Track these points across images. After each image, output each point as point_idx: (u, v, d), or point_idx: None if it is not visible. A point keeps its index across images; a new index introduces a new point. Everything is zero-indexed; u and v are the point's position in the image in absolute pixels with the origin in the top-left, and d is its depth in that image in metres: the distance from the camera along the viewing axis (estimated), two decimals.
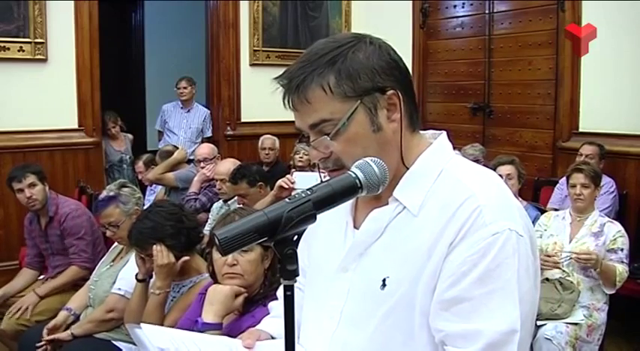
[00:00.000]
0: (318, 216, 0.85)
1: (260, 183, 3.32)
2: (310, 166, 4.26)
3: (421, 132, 1.04)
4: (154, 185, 4.37)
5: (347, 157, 0.95)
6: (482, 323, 0.87)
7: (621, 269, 2.73)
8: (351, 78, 0.93)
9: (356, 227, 1.04)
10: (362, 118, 0.94)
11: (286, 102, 0.97)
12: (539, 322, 2.62)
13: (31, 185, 3.05)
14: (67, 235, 3.07)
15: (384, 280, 0.95)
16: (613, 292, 2.78)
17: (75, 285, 2.97)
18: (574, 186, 2.94)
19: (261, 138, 4.72)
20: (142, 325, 1.10)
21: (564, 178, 3.28)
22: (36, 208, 3.10)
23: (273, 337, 1.15)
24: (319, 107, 0.94)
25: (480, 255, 0.88)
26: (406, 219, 0.96)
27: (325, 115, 0.94)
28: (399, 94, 0.96)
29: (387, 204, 0.99)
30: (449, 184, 0.95)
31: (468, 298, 0.88)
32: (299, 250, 1.15)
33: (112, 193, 2.58)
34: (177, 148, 4.54)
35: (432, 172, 0.98)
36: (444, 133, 1.05)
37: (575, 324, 2.69)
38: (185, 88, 5.15)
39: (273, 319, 1.22)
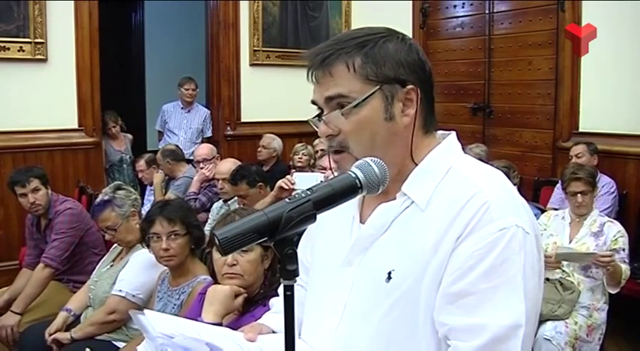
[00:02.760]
0: (321, 214, 0.85)
1: (260, 183, 3.31)
2: (310, 166, 4.27)
3: (433, 132, 1.05)
4: (153, 185, 4.37)
5: (354, 138, 0.97)
6: (486, 317, 0.87)
7: (624, 268, 2.74)
8: (376, 63, 0.96)
9: (362, 222, 1.04)
10: (377, 103, 0.96)
11: (309, 75, 1.00)
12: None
13: (35, 190, 3.03)
14: (51, 232, 3.04)
15: (389, 274, 0.95)
16: (617, 291, 2.78)
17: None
18: (574, 194, 2.93)
19: (263, 136, 4.73)
20: (145, 311, 1.10)
21: None
22: (39, 213, 3.10)
23: (274, 332, 1.15)
24: (340, 82, 0.96)
25: (486, 250, 0.89)
26: (413, 213, 0.97)
27: (343, 91, 0.96)
28: (418, 92, 0.98)
29: (395, 199, 1.00)
30: (457, 181, 0.96)
31: (473, 292, 0.88)
32: (301, 248, 1.16)
33: (106, 197, 2.56)
34: (179, 147, 4.54)
35: (441, 169, 0.99)
36: (454, 133, 1.07)
37: (575, 323, 2.69)
38: (193, 90, 5.16)
39: (274, 315, 1.22)
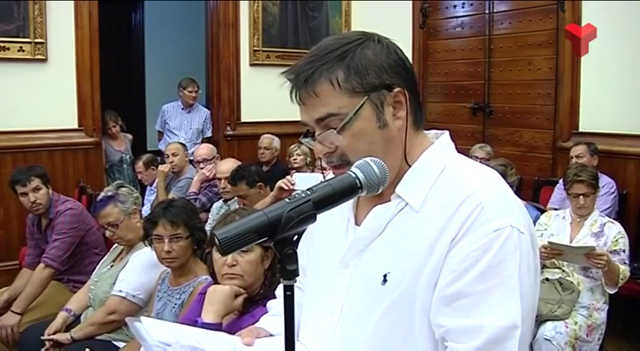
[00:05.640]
0: (319, 215, 0.85)
1: (259, 183, 3.31)
2: (307, 166, 4.27)
3: (424, 131, 1.05)
4: (153, 185, 4.37)
5: (352, 152, 0.96)
6: (483, 318, 0.88)
7: (623, 268, 2.74)
8: (359, 74, 0.94)
9: (357, 224, 1.04)
10: (368, 113, 0.95)
11: (294, 96, 0.98)
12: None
13: (36, 189, 3.03)
14: (52, 232, 3.04)
15: (385, 276, 0.95)
16: (615, 291, 2.78)
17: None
18: (576, 196, 2.93)
19: (261, 137, 4.73)
20: (141, 318, 1.09)
21: None
22: (40, 212, 3.10)
23: (272, 335, 1.15)
24: (327, 101, 0.95)
25: (482, 251, 0.89)
26: (408, 215, 0.97)
27: (332, 109, 0.95)
28: (406, 92, 0.97)
29: (389, 200, 0.99)
30: (451, 181, 0.96)
31: (469, 293, 0.89)
32: (298, 250, 1.16)
33: (109, 193, 2.58)
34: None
35: (435, 170, 0.98)
36: (447, 132, 1.06)
37: (575, 323, 2.69)
38: (196, 92, 5.16)
39: (272, 318, 1.22)
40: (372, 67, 0.95)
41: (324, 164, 1.02)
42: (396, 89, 0.96)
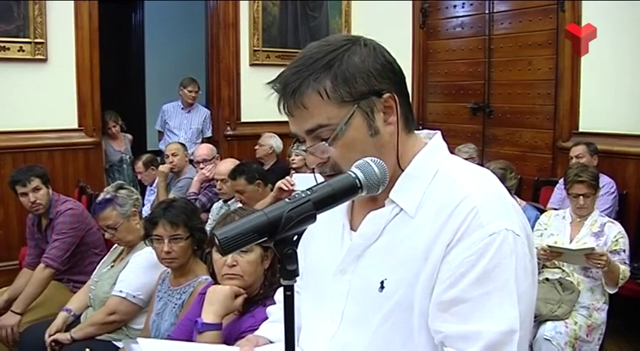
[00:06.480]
0: (318, 216, 0.85)
1: (258, 181, 3.32)
2: (306, 166, 4.26)
3: (416, 132, 1.04)
4: (153, 185, 4.37)
5: (345, 161, 0.94)
6: (481, 324, 0.87)
7: (623, 268, 2.74)
8: (347, 82, 0.92)
9: (353, 229, 1.03)
10: (359, 122, 0.94)
11: (282, 107, 0.97)
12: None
13: (36, 189, 3.03)
14: (52, 232, 3.04)
15: (382, 283, 0.95)
16: (615, 291, 2.78)
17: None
18: (576, 197, 2.93)
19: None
20: (138, 339, 1.09)
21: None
22: (40, 212, 3.10)
23: (271, 342, 1.14)
24: (316, 113, 0.93)
25: (477, 256, 0.88)
26: (403, 221, 0.96)
27: (322, 121, 0.94)
28: (395, 97, 0.96)
29: (384, 206, 0.98)
30: (445, 185, 0.95)
31: (466, 299, 0.88)
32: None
33: (108, 196, 2.55)
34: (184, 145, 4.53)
35: (428, 173, 0.97)
36: (439, 132, 1.05)
37: (575, 323, 2.69)
38: (196, 92, 5.16)
39: (271, 324, 1.22)
40: (359, 73, 0.93)
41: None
42: (386, 94, 0.95)
